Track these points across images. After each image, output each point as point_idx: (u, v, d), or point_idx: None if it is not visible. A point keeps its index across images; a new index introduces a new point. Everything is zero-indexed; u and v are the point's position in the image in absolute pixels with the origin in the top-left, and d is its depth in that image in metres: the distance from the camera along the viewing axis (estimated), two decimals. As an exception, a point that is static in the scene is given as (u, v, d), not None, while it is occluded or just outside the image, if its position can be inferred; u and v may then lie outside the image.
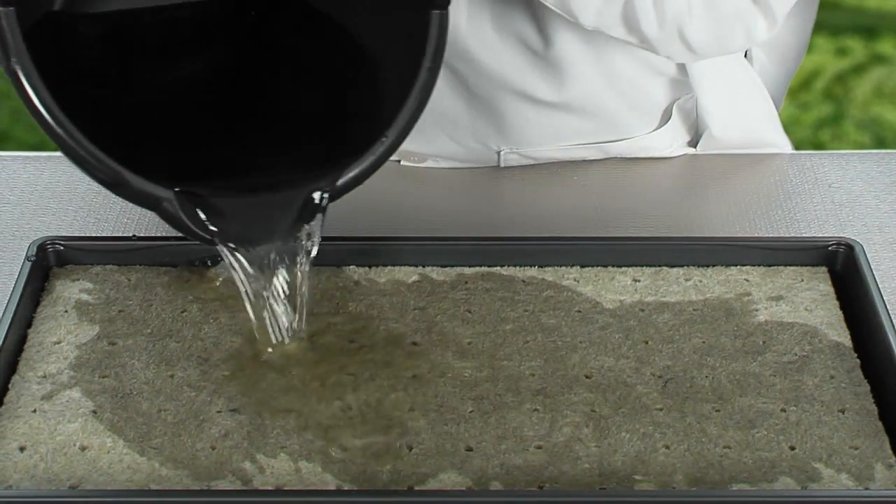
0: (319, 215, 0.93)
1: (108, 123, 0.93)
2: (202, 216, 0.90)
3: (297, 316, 0.96)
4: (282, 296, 0.95)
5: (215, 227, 0.91)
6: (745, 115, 1.29)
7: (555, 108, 1.23)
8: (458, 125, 1.25)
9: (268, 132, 1.01)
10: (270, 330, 0.96)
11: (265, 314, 0.95)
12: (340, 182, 0.93)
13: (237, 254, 0.92)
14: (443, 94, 1.23)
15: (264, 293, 0.94)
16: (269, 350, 0.96)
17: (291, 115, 1.02)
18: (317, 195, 0.92)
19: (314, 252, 0.94)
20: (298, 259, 0.94)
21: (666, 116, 1.27)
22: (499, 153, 1.26)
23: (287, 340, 0.96)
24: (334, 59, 1.03)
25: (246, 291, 0.94)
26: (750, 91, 1.29)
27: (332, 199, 0.93)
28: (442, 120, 1.25)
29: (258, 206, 0.93)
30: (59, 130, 0.87)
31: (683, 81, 1.26)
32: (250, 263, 0.93)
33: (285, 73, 1.05)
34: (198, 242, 0.91)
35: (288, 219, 0.93)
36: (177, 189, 0.89)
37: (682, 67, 1.25)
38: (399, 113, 0.93)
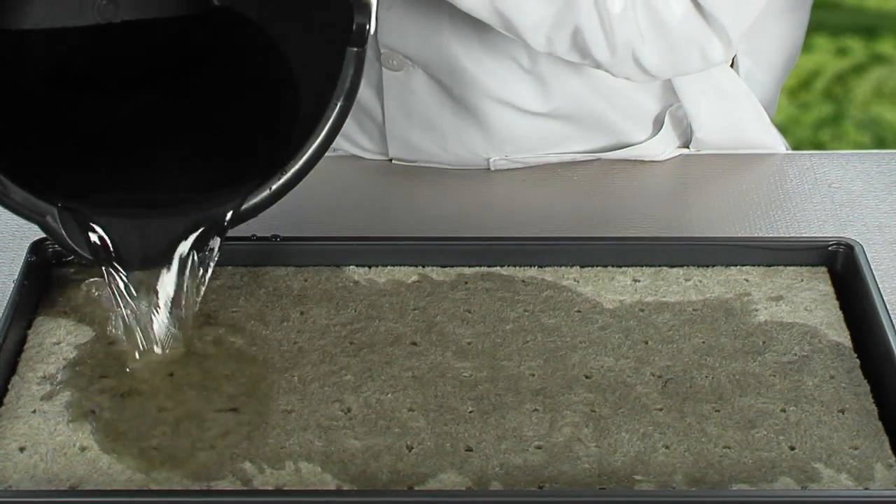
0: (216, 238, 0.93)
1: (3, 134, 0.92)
2: (80, 235, 0.91)
3: (176, 325, 0.95)
4: (162, 306, 0.94)
5: (91, 247, 0.91)
6: (733, 120, 1.28)
7: (543, 116, 1.23)
8: (445, 134, 1.24)
9: (174, 151, 1.00)
10: (139, 337, 0.95)
11: (136, 323, 0.95)
12: (228, 215, 0.93)
13: (116, 274, 0.93)
14: (428, 103, 1.23)
15: (141, 304, 0.94)
16: (136, 357, 0.95)
17: (201, 135, 1.01)
18: (204, 225, 0.92)
19: (209, 270, 0.94)
20: (192, 271, 0.94)
21: (658, 124, 1.27)
22: (488, 160, 1.26)
23: (160, 349, 0.96)
24: (256, 80, 1.01)
25: (118, 304, 0.94)
26: (735, 96, 1.27)
27: (220, 232, 0.93)
28: (428, 128, 1.24)
29: (142, 229, 0.93)
30: None
31: (673, 89, 1.25)
32: (127, 284, 0.93)
33: (203, 90, 1.03)
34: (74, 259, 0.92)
35: (169, 245, 0.93)
36: (60, 205, 0.90)
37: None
38: (302, 148, 0.92)
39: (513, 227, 1.14)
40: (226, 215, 0.93)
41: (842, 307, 1.02)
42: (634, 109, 1.25)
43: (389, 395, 0.93)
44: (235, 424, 0.91)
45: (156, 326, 0.95)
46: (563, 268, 1.05)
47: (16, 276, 1.01)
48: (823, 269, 1.06)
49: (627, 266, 1.05)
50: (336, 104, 0.92)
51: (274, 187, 0.93)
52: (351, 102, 0.92)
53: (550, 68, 1.20)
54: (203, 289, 0.95)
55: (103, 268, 0.93)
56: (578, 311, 1.01)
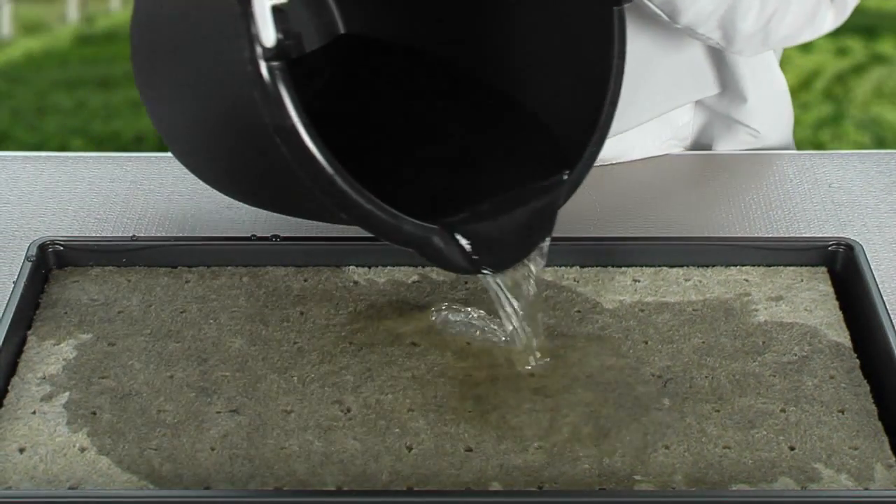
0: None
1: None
2: (456, 248, 0.89)
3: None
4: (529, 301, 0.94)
5: (479, 255, 0.89)
6: (783, 116, 1.31)
7: None
8: None
9: (468, 153, 1.00)
10: (527, 337, 0.95)
11: (521, 322, 0.95)
12: (574, 175, 0.92)
13: (496, 277, 0.92)
14: None
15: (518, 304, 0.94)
16: (531, 361, 0.95)
17: (481, 136, 1.01)
18: (560, 197, 0.92)
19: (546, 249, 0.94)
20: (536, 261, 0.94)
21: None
22: None
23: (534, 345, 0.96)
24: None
25: (507, 308, 0.94)
26: (781, 91, 1.30)
27: (566, 198, 0.92)
28: None
29: (498, 227, 0.91)
30: (358, 198, 0.82)
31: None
32: (507, 280, 0.93)
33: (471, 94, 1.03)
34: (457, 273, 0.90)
35: (544, 228, 0.92)
36: (437, 224, 0.87)
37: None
38: (602, 105, 0.92)
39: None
40: (561, 187, 0.92)
41: (842, 307, 1.02)
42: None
43: (389, 396, 0.93)
44: (235, 425, 0.91)
45: (538, 319, 0.95)
46: (563, 268, 1.05)
47: (16, 276, 1.01)
48: (823, 269, 1.06)
49: (627, 266, 1.05)
50: (616, 63, 0.92)
51: (590, 147, 0.92)
52: (624, 62, 0.92)
53: None
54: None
55: (488, 277, 0.92)
56: (578, 311, 1.01)
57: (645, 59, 1.22)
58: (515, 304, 0.94)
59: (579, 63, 0.95)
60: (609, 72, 0.92)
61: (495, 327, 0.97)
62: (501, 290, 0.93)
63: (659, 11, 1.14)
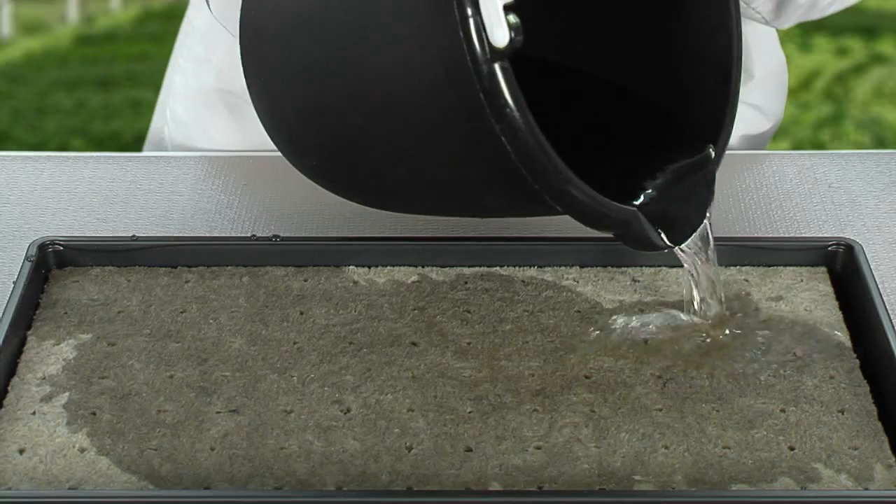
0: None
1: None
2: (651, 227, 0.90)
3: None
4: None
5: (669, 230, 0.91)
6: (781, 93, 1.33)
7: None
8: None
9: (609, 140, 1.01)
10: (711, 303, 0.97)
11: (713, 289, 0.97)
12: (714, 150, 0.94)
13: (684, 252, 0.94)
14: None
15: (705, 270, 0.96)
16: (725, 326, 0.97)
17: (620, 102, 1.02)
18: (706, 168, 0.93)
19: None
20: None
21: None
22: None
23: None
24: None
25: (699, 275, 0.96)
26: (783, 70, 1.32)
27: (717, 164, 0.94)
28: None
29: (693, 188, 0.93)
30: (575, 192, 0.83)
31: None
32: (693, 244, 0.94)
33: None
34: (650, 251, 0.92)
35: (709, 194, 0.94)
36: (633, 205, 0.88)
37: None
38: (728, 77, 0.94)
39: (513, 227, 1.14)
40: (712, 151, 0.93)
41: (842, 307, 1.02)
42: None
43: (389, 396, 0.93)
44: (235, 425, 0.91)
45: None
46: (563, 268, 1.05)
47: (15, 276, 1.01)
48: (823, 269, 1.06)
49: (627, 266, 1.05)
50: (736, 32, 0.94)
51: (727, 117, 0.94)
52: (741, 41, 0.94)
53: None
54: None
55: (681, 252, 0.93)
56: (578, 311, 1.01)
57: None
58: (707, 274, 0.96)
59: (699, 45, 0.96)
60: (731, 47, 0.93)
61: (676, 312, 0.99)
62: (694, 264, 0.95)
63: None
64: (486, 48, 0.78)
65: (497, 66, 0.79)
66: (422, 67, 0.82)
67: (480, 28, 0.78)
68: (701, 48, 0.96)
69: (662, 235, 0.91)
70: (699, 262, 0.95)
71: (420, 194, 0.95)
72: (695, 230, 0.94)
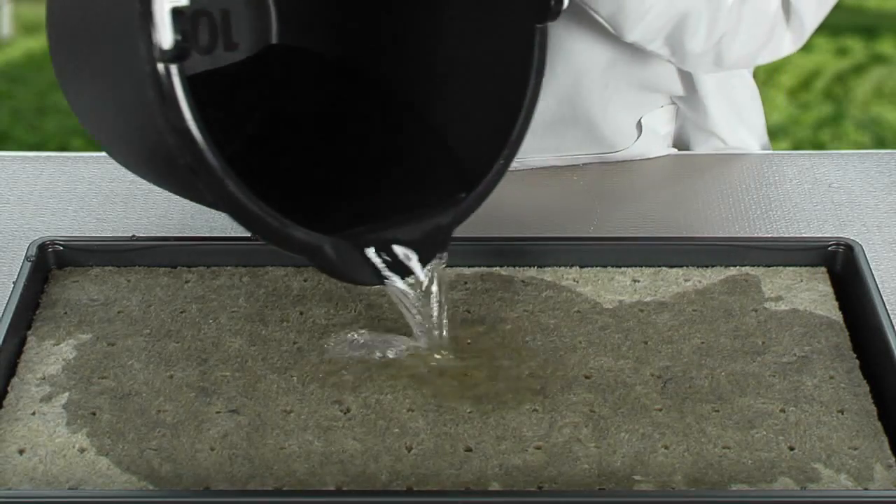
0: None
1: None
2: (360, 258, 0.90)
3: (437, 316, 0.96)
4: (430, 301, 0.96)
5: (371, 268, 0.91)
6: (747, 122, 1.30)
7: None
8: None
9: (372, 169, 1.01)
10: (437, 338, 0.96)
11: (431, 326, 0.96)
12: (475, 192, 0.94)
13: (398, 284, 0.93)
14: None
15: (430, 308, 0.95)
16: (437, 357, 0.96)
17: (386, 150, 1.02)
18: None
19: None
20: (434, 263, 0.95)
21: (638, 129, 1.27)
22: None
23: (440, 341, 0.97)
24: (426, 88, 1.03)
25: (412, 311, 0.95)
26: (751, 100, 1.29)
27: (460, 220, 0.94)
28: None
29: (416, 234, 0.93)
30: (247, 203, 0.85)
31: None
32: (408, 292, 0.94)
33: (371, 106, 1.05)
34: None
35: (439, 245, 0.94)
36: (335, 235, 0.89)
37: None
38: (517, 118, 0.93)
39: (513, 227, 1.14)
40: (456, 207, 0.94)
41: (841, 307, 1.02)
42: (612, 117, 1.25)
43: (389, 396, 0.93)
44: (235, 425, 0.91)
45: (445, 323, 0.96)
46: (563, 268, 1.05)
47: (15, 277, 1.01)
48: (823, 269, 1.06)
49: (627, 266, 1.05)
50: (533, 81, 0.93)
51: (506, 153, 0.94)
52: (542, 78, 0.94)
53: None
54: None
55: (392, 284, 0.92)
56: (578, 312, 1.01)
57: (609, 65, 1.22)
58: (435, 300, 0.95)
59: (498, 80, 0.96)
60: (525, 90, 0.93)
61: (396, 340, 0.98)
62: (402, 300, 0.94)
63: (608, 26, 1.14)
64: (154, 48, 0.79)
65: (162, 67, 0.80)
66: (125, 63, 0.84)
67: (150, 29, 0.80)
68: (492, 93, 0.97)
69: (384, 271, 0.91)
70: (409, 296, 0.94)
71: (144, 174, 0.97)
72: (410, 274, 0.93)
